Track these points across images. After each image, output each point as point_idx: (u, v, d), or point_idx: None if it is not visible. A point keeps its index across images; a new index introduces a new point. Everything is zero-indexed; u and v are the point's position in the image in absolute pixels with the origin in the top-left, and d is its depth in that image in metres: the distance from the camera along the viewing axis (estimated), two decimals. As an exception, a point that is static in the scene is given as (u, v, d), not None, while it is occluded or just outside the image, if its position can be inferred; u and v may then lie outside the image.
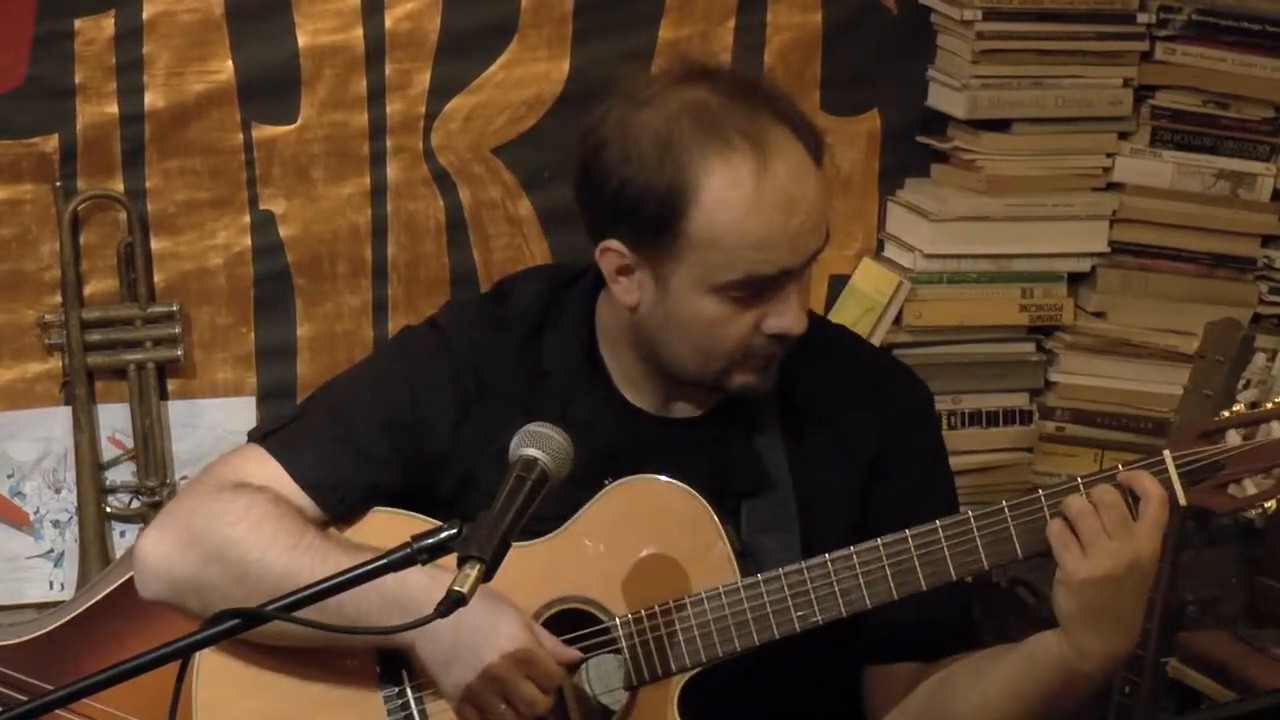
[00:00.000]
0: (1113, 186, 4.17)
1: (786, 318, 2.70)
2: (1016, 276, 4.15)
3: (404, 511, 2.82)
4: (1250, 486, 2.64)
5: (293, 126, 3.92)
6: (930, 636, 2.84)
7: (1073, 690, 2.68)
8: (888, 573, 2.67)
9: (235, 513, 2.77)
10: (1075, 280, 4.20)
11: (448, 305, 2.97)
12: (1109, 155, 4.15)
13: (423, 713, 2.78)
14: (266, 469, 2.83)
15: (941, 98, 4.13)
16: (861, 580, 2.67)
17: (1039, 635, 2.69)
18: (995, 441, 4.17)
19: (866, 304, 4.12)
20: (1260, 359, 3.58)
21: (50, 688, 2.37)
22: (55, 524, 3.93)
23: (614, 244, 2.72)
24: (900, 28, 4.12)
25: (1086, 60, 4.10)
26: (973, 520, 2.66)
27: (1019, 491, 2.70)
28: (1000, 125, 4.11)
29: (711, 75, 2.72)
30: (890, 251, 4.18)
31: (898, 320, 4.12)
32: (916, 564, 2.66)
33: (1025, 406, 4.20)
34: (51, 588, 3.92)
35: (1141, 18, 4.08)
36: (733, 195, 2.64)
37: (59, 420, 3.91)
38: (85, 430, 3.89)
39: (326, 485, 2.82)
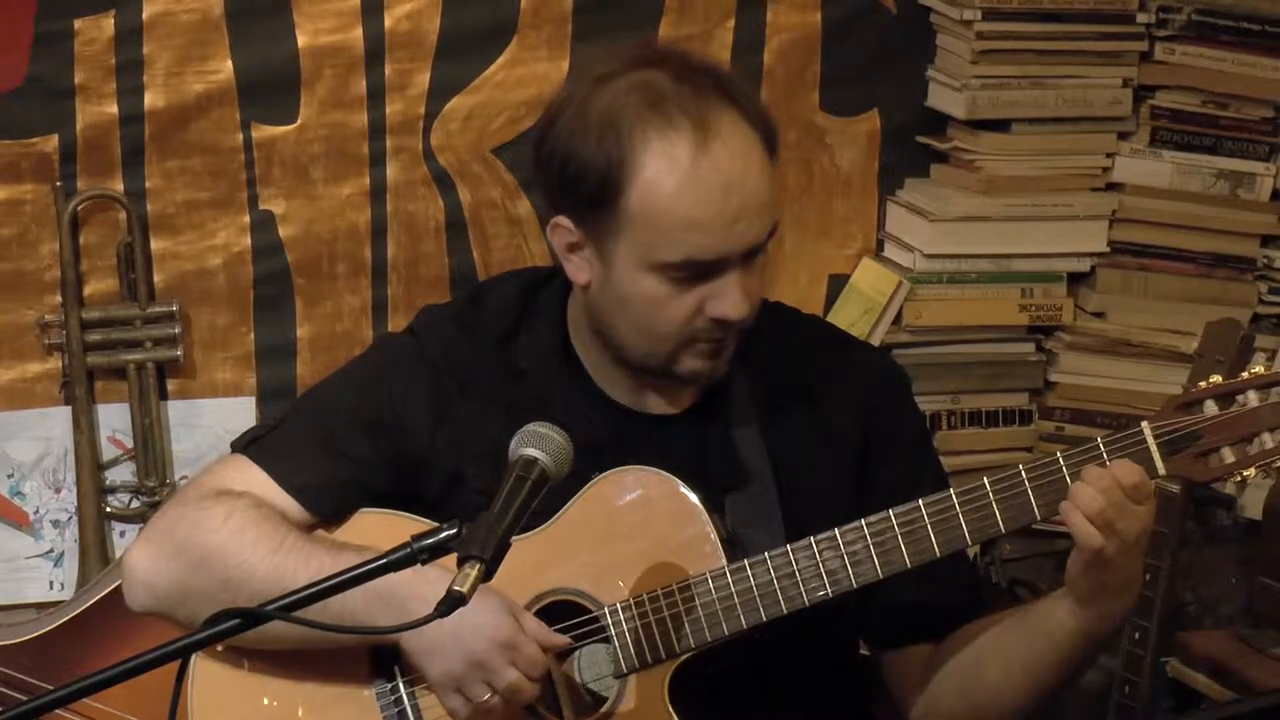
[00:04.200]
0: (1112, 186, 4.17)
1: (726, 302, 2.69)
2: (1016, 276, 4.16)
3: (390, 511, 2.83)
4: (1228, 455, 2.65)
5: (293, 126, 3.92)
6: (938, 617, 2.87)
7: (1095, 648, 2.76)
8: (872, 552, 2.69)
9: (216, 519, 2.78)
10: (1075, 280, 4.20)
11: (423, 311, 2.98)
12: (1109, 155, 4.15)
13: (415, 707, 2.79)
14: (249, 476, 2.84)
15: (941, 98, 4.13)
16: (846, 560, 2.69)
17: (1050, 609, 2.74)
18: (995, 441, 4.17)
19: (866, 304, 4.13)
20: (1260, 359, 3.58)
21: (50, 688, 2.38)
22: (55, 524, 3.93)
23: (562, 220, 2.75)
24: (900, 28, 4.12)
25: (1086, 60, 4.10)
26: (954, 498, 2.67)
27: (999, 473, 2.71)
28: (1000, 125, 4.11)
29: (668, 58, 2.74)
30: (890, 251, 4.19)
31: (898, 320, 4.12)
32: (900, 543, 2.68)
33: (1025, 406, 4.20)
34: (51, 588, 3.92)
35: (1141, 18, 4.09)
36: (667, 174, 2.65)
37: (59, 420, 3.91)
38: (85, 430, 3.89)
39: (311, 488, 2.83)
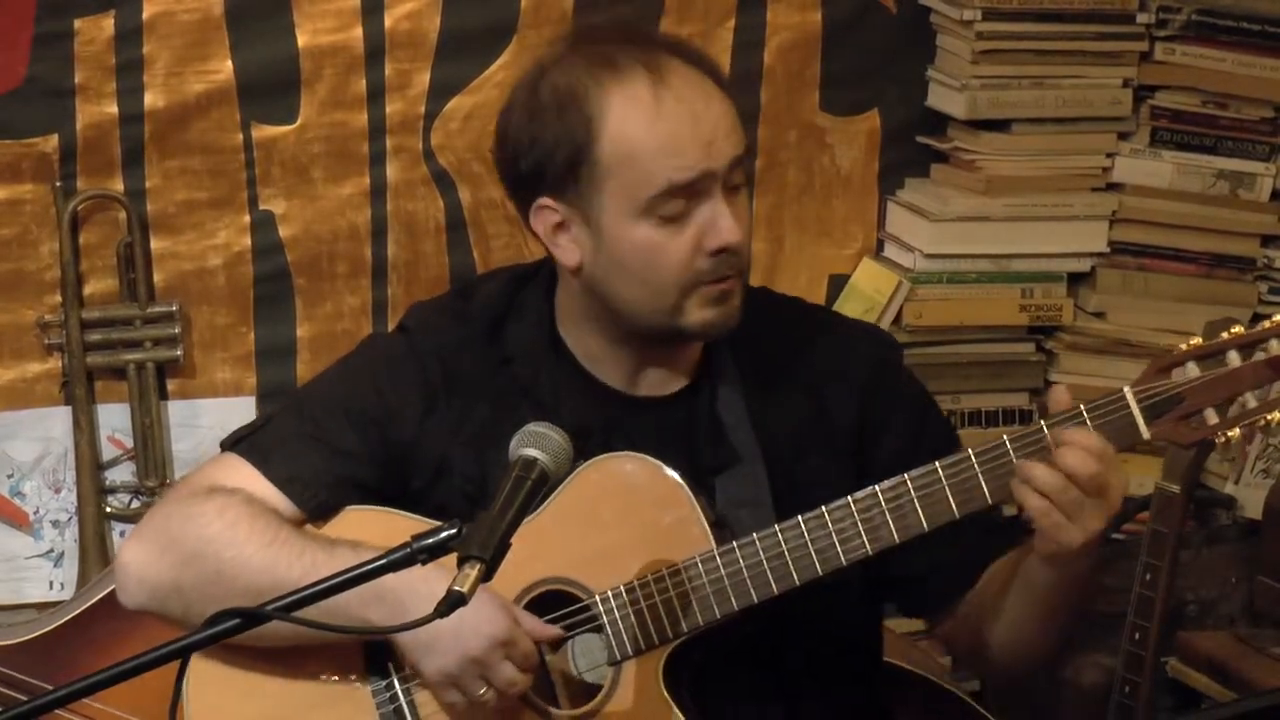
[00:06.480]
0: (1112, 186, 4.17)
1: (721, 227, 2.70)
2: (1016, 276, 4.16)
3: (378, 507, 2.83)
4: (1212, 417, 2.64)
5: (293, 126, 3.92)
6: (961, 570, 2.85)
7: (1089, 580, 2.76)
8: (860, 529, 2.68)
9: (209, 514, 2.79)
10: (1075, 280, 4.20)
11: (413, 308, 2.99)
12: (1109, 155, 4.15)
13: (411, 703, 2.79)
14: (240, 473, 2.85)
15: (941, 98, 4.14)
16: (835, 538, 2.69)
17: (1030, 566, 2.72)
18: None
19: (866, 304, 4.13)
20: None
21: (50, 688, 2.38)
22: (55, 524, 3.93)
23: (544, 200, 2.76)
24: (900, 28, 4.13)
25: (1086, 60, 4.10)
26: (940, 470, 2.67)
27: (984, 446, 2.70)
28: (1000, 125, 4.11)
29: (602, 29, 2.85)
30: (890, 251, 4.19)
31: (898, 320, 4.12)
32: (888, 518, 2.68)
33: (1025, 406, 4.20)
34: (51, 588, 3.92)
35: (1141, 18, 4.09)
36: (633, 111, 2.69)
37: (59, 420, 3.91)
38: (85, 430, 3.89)
39: (300, 481, 2.83)
